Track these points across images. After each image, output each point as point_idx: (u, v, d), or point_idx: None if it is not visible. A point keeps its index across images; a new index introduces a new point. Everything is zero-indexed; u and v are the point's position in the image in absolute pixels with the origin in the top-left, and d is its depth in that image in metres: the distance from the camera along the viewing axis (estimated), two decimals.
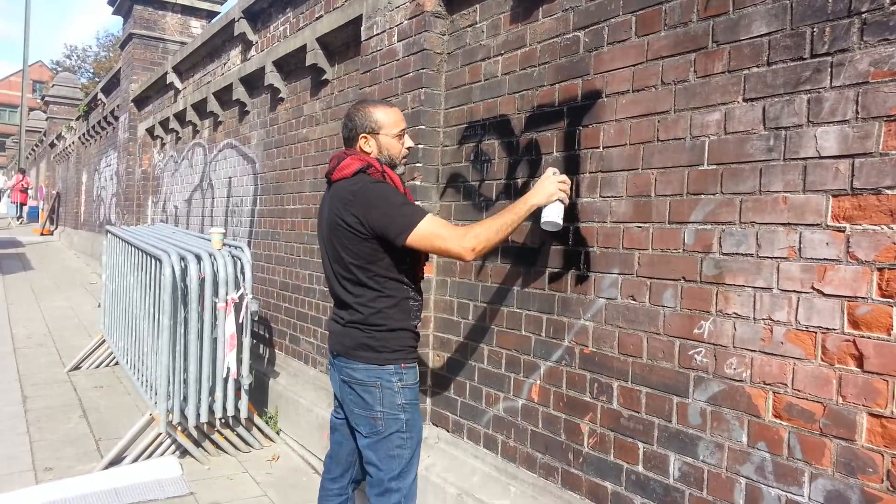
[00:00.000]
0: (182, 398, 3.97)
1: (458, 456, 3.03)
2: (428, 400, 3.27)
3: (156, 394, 4.00)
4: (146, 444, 4.00)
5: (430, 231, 2.16)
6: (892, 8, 1.63)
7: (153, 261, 4.13)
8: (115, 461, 3.93)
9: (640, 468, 2.24)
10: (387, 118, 2.34)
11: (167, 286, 3.79)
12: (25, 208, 24.83)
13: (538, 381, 2.65)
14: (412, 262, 2.32)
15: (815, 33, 1.78)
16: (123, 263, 5.24)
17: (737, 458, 1.95)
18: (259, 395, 4.89)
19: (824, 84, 1.76)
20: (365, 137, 2.33)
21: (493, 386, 2.89)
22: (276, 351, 5.04)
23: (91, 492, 3.55)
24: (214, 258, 4.01)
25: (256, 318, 4.26)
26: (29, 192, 25.30)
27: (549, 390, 2.60)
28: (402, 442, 2.28)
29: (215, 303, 3.99)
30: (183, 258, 3.91)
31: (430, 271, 3.23)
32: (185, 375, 3.97)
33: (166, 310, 3.82)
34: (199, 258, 3.94)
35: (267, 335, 5.19)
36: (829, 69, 1.75)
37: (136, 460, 3.95)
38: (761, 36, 1.91)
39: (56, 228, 20.10)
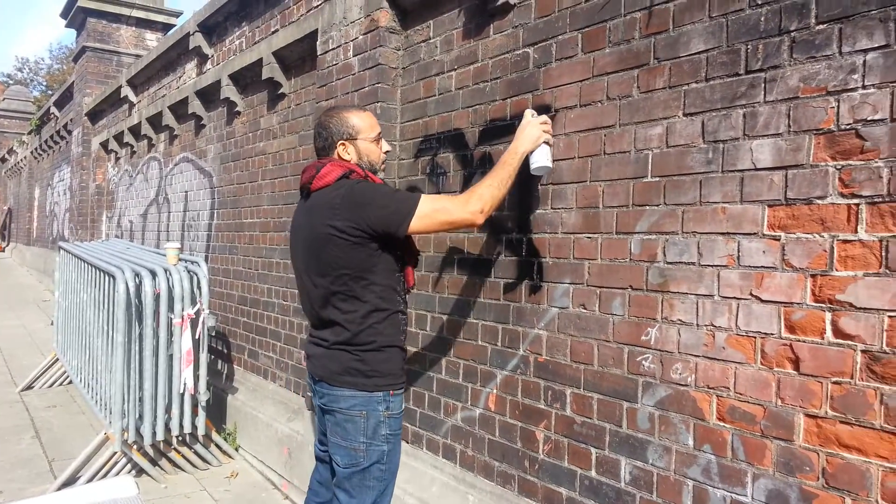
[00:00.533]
0: (137, 416, 3.91)
1: (417, 467, 3.05)
2: None
3: (110, 412, 3.93)
4: (101, 464, 3.92)
5: (432, 208, 2.10)
6: (817, 27, 1.72)
7: (107, 277, 4.07)
8: (69, 482, 3.84)
9: (592, 473, 2.28)
10: (363, 122, 2.28)
11: (121, 302, 3.73)
12: None
13: (494, 391, 2.69)
14: (402, 266, 2.24)
15: (749, 50, 1.87)
16: (76, 280, 5.13)
17: (684, 460, 2.01)
18: (217, 412, 4.84)
19: (758, 99, 1.84)
20: (343, 144, 2.25)
21: (450, 396, 2.91)
22: (235, 366, 4.98)
23: None
24: (170, 273, 3.96)
25: (213, 334, 4.22)
26: None
27: (506, 399, 2.63)
28: (381, 474, 2.19)
29: (171, 319, 3.94)
30: (137, 274, 3.86)
31: None
32: (141, 393, 3.90)
33: (120, 327, 3.76)
34: (153, 274, 3.89)
35: (225, 350, 5.13)
36: (763, 84, 1.83)
37: (90, 480, 3.86)
38: (699, 53, 1.99)
39: (7, 245, 19.55)
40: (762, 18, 1.84)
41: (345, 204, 2.08)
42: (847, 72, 1.66)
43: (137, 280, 3.86)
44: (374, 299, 2.14)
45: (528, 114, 2.36)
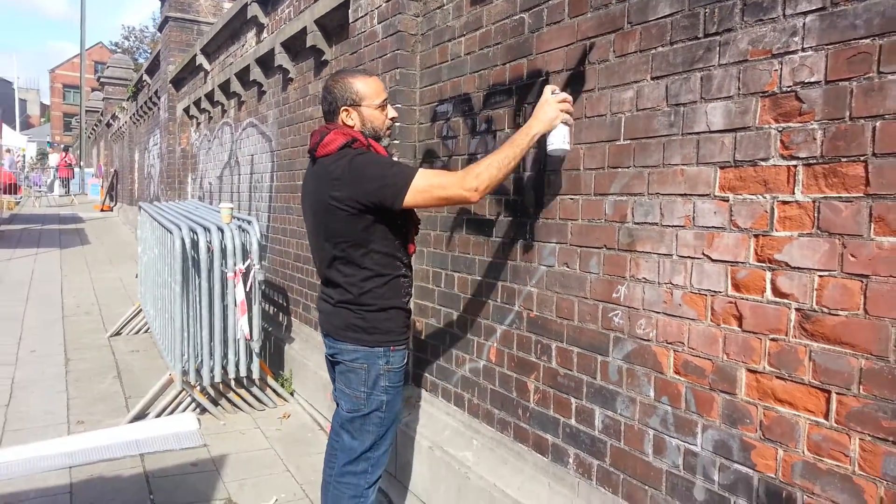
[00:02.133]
0: (197, 359, 4.32)
1: (433, 413, 3.26)
2: (410, 362, 3.50)
3: (172, 356, 4.35)
4: (168, 402, 4.38)
5: (428, 183, 2.12)
6: None
7: (167, 233, 4.46)
8: (140, 416, 4.31)
9: (573, 421, 2.42)
10: (367, 88, 2.28)
11: (177, 256, 4.12)
12: (71, 182, 27.09)
13: (495, 344, 2.85)
14: (404, 234, 2.31)
15: (706, 14, 1.89)
16: (150, 237, 5.62)
17: (646, 411, 2.12)
18: (277, 359, 5.25)
19: (713, 62, 1.88)
20: (346, 110, 2.27)
21: (460, 348, 3.09)
22: (292, 318, 5.35)
23: (115, 442, 3.94)
24: (223, 231, 4.31)
25: (263, 287, 4.55)
26: (72, 167, 27.51)
27: (504, 352, 2.79)
28: (380, 420, 2.34)
29: (224, 272, 4.30)
30: (193, 231, 4.23)
31: None
32: (199, 338, 4.31)
33: (178, 278, 4.15)
34: (207, 231, 4.24)
35: (284, 304, 5.51)
36: (718, 48, 1.86)
37: (158, 416, 4.33)
38: (666, 17, 2.02)
39: (115, 205, 21.08)
40: None
41: (344, 176, 2.13)
42: (789, 34, 1.68)
43: (193, 236, 4.22)
44: (374, 265, 2.23)
45: (548, 90, 2.23)
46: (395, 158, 3.36)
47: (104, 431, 4.11)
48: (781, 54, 1.70)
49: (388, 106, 2.36)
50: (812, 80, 1.63)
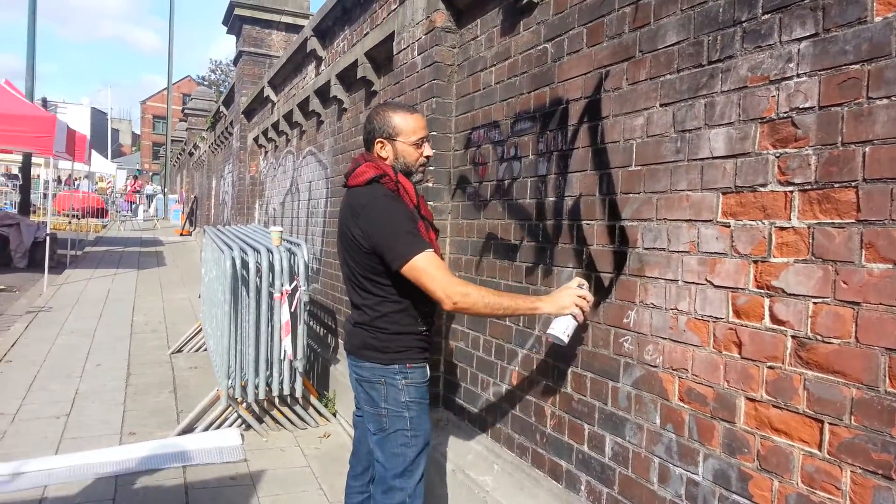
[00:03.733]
0: (244, 376, 4.49)
1: (459, 436, 3.29)
2: (441, 385, 3.54)
3: (220, 373, 4.54)
4: (215, 417, 4.55)
5: (424, 268, 2.14)
6: (763, 17, 1.74)
7: (222, 254, 4.69)
8: (188, 429, 4.50)
9: (585, 448, 2.41)
10: (405, 124, 2.31)
11: (227, 276, 4.31)
12: (138, 207, 31.85)
13: (516, 368, 2.86)
14: None
15: (710, 41, 1.91)
16: (210, 258, 5.90)
17: (652, 438, 2.09)
18: (323, 379, 5.38)
19: (716, 89, 1.88)
20: (381, 142, 2.32)
21: (485, 372, 3.12)
22: (339, 340, 5.48)
23: (160, 453, 4.12)
24: (272, 253, 4.49)
25: (308, 308, 4.69)
26: (139, 192, 30.92)
27: (524, 376, 2.80)
28: (407, 440, 2.30)
29: (272, 293, 4.47)
30: (243, 251, 4.43)
31: None
32: (246, 356, 4.48)
33: (227, 298, 4.35)
34: (257, 252, 4.44)
35: (333, 325, 5.65)
36: (720, 75, 1.87)
37: (205, 430, 4.51)
38: (673, 45, 2.04)
39: (194, 229, 22.09)
40: (721, 9, 1.87)
41: (363, 215, 2.21)
42: (785, 60, 1.68)
43: (244, 256, 4.42)
44: (387, 294, 2.28)
45: (576, 283, 2.30)
46: (430, 184, 3.46)
47: (152, 442, 4.31)
48: (778, 80, 1.70)
49: (426, 144, 2.38)
50: (806, 105, 1.62)
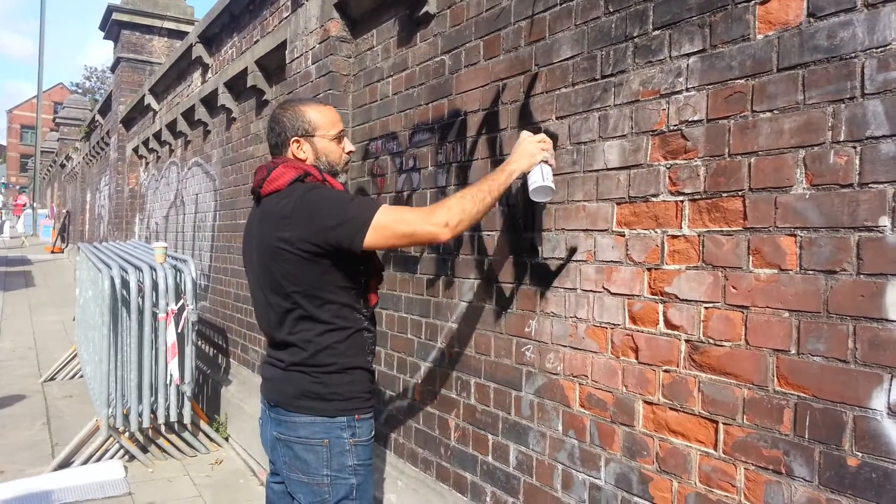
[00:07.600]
0: (126, 404, 4.19)
1: None
2: None
3: (98, 401, 4.21)
4: (94, 449, 4.22)
5: (391, 219, 1.80)
6: (654, 33, 1.81)
7: (99, 273, 4.37)
8: (64, 464, 4.14)
9: (490, 458, 2.40)
10: (322, 118, 1.98)
11: (106, 297, 4.02)
12: (3, 223, 30.91)
13: (419, 381, 2.83)
14: (365, 283, 1.97)
15: (603, 56, 1.97)
16: (86, 278, 5.50)
17: (555, 445, 2.12)
18: (213, 402, 5.11)
19: (609, 102, 1.94)
20: (298, 141, 1.95)
21: (387, 387, 3.06)
22: (231, 360, 5.25)
23: (32, 492, 3.76)
24: (155, 271, 4.23)
25: (196, 329, 4.46)
26: (25, 208, 29.97)
27: (427, 389, 2.77)
28: None
29: (155, 313, 4.21)
30: (123, 270, 4.14)
31: None
32: (128, 382, 4.18)
33: (105, 320, 4.05)
34: (139, 270, 4.17)
35: (223, 344, 5.41)
36: (613, 89, 1.93)
37: (84, 464, 4.16)
38: (568, 59, 2.09)
39: (66, 246, 20.61)
40: (613, 25, 1.94)
41: (295, 214, 1.81)
42: (675, 75, 1.75)
43: (124, 275, 4.14)
44: (331, 318, 1.88)
45: (525, 134, 2.05)
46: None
47: (22, 481, 3.93)
48: (669, 94, 1.77)
49: (345, 139, 2.06)
50: (695, 118, 1.70)
